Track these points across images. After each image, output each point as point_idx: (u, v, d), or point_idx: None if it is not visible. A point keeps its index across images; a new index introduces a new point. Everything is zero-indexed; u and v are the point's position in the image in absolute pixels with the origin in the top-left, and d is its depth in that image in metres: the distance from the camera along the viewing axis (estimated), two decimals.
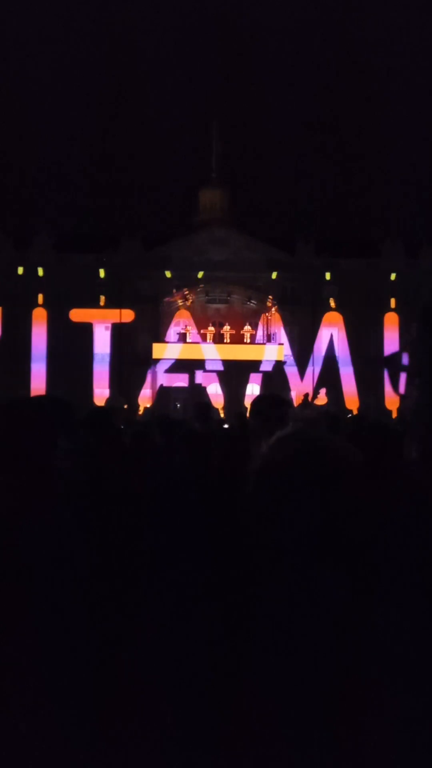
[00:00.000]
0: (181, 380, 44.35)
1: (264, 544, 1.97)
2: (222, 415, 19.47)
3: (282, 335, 48.75)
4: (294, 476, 1.84)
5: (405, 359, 4.35)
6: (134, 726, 1.89)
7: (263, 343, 49.16)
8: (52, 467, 2.64)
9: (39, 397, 3.58)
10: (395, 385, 4.26)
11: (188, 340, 49.16)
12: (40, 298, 48.69)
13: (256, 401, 4.50)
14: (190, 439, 5.67)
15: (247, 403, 21.91)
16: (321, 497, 1.84)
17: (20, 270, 50.41)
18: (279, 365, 46.42)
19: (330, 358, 46.60)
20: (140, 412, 25.43)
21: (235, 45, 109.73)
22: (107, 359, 47.39)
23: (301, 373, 46.72)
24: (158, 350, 47.03)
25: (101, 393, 44.59)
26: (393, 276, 51.04)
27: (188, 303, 50.72)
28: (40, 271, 49.63)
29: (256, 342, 50.50)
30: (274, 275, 50.28)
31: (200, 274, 48.92)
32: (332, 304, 48.65)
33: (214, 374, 43.37)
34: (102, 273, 49.84)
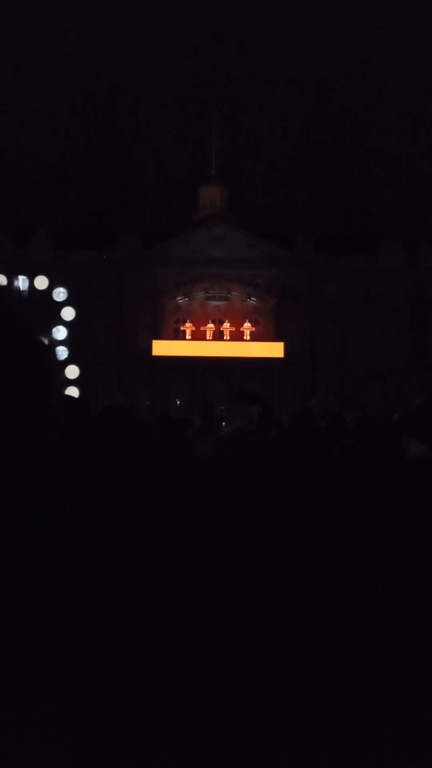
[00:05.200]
0: (181, 377, 44.35)
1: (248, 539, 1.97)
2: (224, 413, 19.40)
3: (282, 332, 48.78)
4: (224, 473, 1.86)
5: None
6: (133, 726, 1.88)
7: (263, 341, 49.17)
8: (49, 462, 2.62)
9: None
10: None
11: (188, 337, 49.16)
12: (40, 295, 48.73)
13: (234, 397, 4.44)
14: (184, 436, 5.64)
15: None
16: (252, 491, 1.85)
17: (20, 267, 50.41)
18: (279, 362, 46.45)
19: (330, 355, 46.70)
20: (139, 410, 25.40)
21: (236, 42, 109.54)
22: (106, 357, 47.44)
23: (301, 370, 46.78)
24: (158, 347, 47.01)
25: (101, 390, 44.61)
26: (393, 273, 51.05)
27: (188, 300, 50.71)
28: (40, 269, 49.68)
29: (256, 339, 50.51)
30: (273, 276, 50.24)
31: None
32: (331, 301, 48.70)
33: (214, 371, 43.44)
34: (101, 271, 49.86)
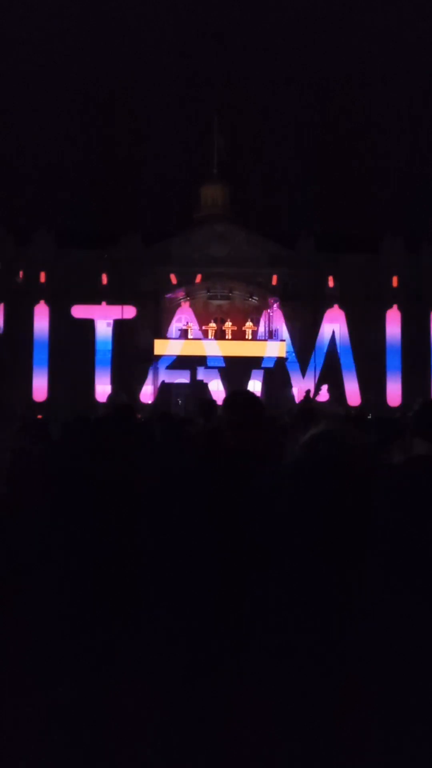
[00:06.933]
0: (182, 376, 44.33)
1: (274, 540, 1.95)
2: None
3: (283, 331, 48.75)
4: (331, 475, 1.84)
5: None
6: (133, 725, 1.87)
7: (265, 340, 49.15)
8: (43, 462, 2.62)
9: None
10: None
11: (190, 336, 49.14)
12: (42, 294, 48.82)
13: (230, 397, 4.37)
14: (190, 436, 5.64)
15: None
16: (353, 495, 1.84)
17: (21, 266, 50.43)
18: (281, 361, 46.43)
19: (331, 354, 46.68)
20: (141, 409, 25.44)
21: (237, 40, 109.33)
22: (109, 355, 47.42)
23: (303, 369, 46.74)
24: (160, 346, 47.03)
25: (103, 389, 44.69)
26: (394, 272, 51.00)
27: (189, 299, 50.69)
28: (42, 267, 49.71)
29: (258, 338, 50.49)
30: (275, 275, 50.18)
31: (198, 278, 49.05)
32: (333, 300, 48.71)
33: (216, 370, 43.37)
34: (103, 269, 49.87)
